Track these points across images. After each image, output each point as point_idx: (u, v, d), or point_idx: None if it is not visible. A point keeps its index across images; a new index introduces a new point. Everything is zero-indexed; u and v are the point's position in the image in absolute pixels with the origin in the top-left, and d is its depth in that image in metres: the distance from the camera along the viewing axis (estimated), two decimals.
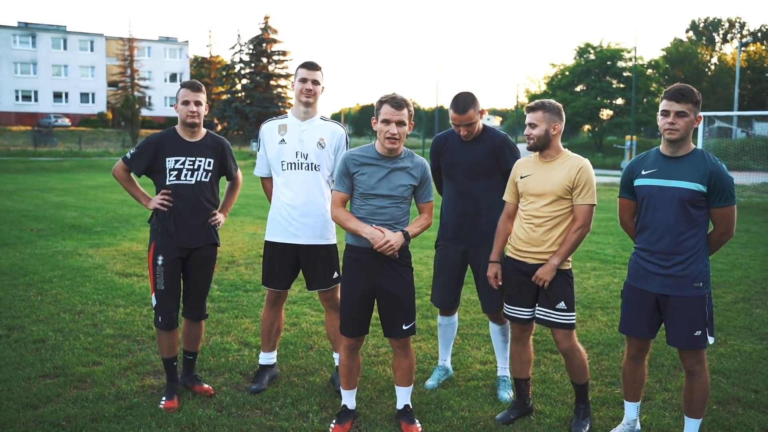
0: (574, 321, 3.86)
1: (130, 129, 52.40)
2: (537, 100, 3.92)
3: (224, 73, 63.95)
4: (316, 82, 4.35)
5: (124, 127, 58.40)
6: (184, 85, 4.23)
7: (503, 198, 4.09)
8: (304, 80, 4.34)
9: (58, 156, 39.28)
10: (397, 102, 3.67)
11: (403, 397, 3.96)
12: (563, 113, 3.88)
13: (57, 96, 64.39)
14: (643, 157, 3.69)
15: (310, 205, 4.34)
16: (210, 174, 4.29)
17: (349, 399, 3.98)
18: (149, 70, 66.88)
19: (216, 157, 4.33)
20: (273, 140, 4.42)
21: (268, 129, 4.48)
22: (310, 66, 4.38)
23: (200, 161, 4.25)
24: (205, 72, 69.36)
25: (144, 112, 60.89)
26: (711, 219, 3.52)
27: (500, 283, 4.01)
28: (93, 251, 9.51)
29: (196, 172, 4.24)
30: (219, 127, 59.34)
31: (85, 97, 65.71)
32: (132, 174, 4.37)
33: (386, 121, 3.67)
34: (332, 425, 3.87)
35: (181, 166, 4.22)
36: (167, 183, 4.22)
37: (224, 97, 61.74)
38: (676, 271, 3.49)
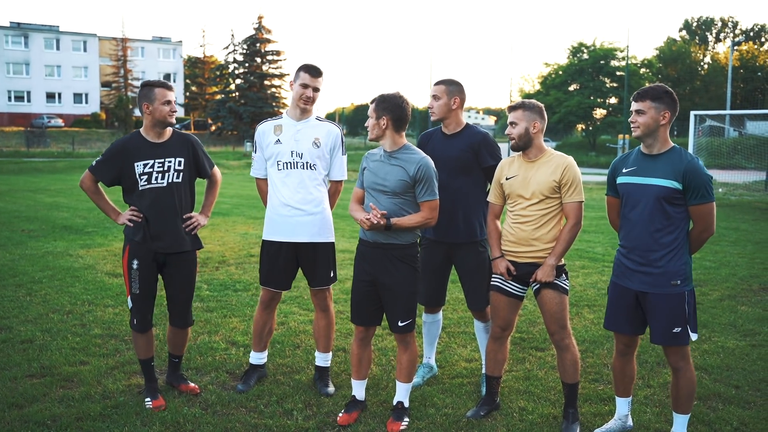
0: (568, 290, 3.93)
1: (124, 129, 52.35)
2: (518, 100, 3.98)
3: (218, 73, 63.96)
4: (317, 90, 4.38)
5: (118, 127, 58.34)
6: (159, 86, 4.10)
7: (488, 199, 4.13)
8: (305, 86, 4.34)
9: (51, 157, 39.17)
10: (372, 101, 3.88)
11: (400, 393, 4.01)
12: (545, 113, 3.93)
13: (50, 96, 64.24)
14: (626, 156, 3.77)
15: (307, 204, 4.37)
16: (182, 174, 4.19)
17: (358, 390, 4.09)
18: (143, 70, 66.75)
19: (186, 156, 4.22)
20: (269, 141, 4.44)
21: (264, 130, 4.49)
22: (314, 72, 4.35)
23: (170, 162, 4.15)
24: (198, 72, 69.34)
25: (137, 112, 60.62)
26: (690, 217, 3.57)
27: (515, 273, 3.93)
28: (84, 252, 9.52)
29: (167, 174, 4.14)
30: (213, 128, 59.32)
31: (78, 97, 65.59)
32: (100, 185, 4.26)
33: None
34: (340, 414, 3.98)
35: (151, 170, 4.11)
36: (139, 188, 4.11)
37: (218, 97, 61.78)
38: (654, 269, 3.54)
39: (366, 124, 3.92)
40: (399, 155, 3.85)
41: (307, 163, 4.37)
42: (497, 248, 4.02)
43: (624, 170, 3.67)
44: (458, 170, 4.32)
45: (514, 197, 3.94)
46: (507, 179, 3.96)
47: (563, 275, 3.90)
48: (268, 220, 4.49)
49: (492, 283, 4.07)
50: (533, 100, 3.98)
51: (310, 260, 4.43)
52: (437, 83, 4.37)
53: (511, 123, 3.89)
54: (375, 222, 3.72)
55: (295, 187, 4.36)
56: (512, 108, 3.92)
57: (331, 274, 4.49)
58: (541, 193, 3.83)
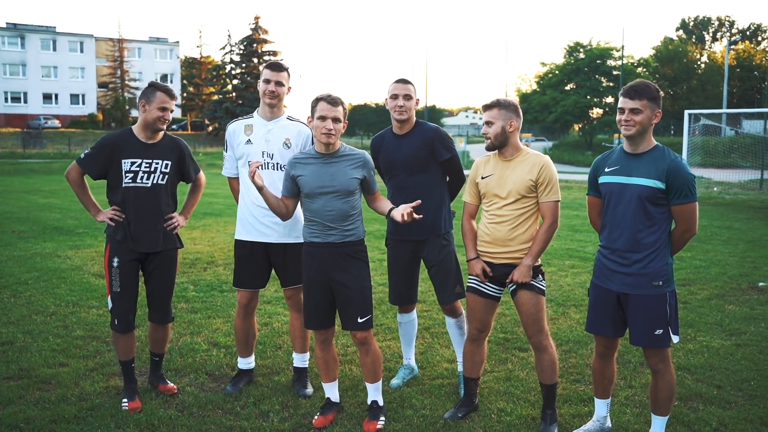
0: (545, 290, 3.89)
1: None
2: (493, 98, 3.91)
3: (215, 73, 63.79)
4: (280, 84, 4.35)
5: (115, 128, 58.18)
6: (163, 90, 4.15)
7: (463, 199, 4.08)
8: (267, 81, 4.33)
9: (47, 158, 39.11)
10: (332, 99, 3.81)
11: (371, 393, 4.00)
12: (520, 111, 3.88)
13: (47, 97, 64.21)
14: (608, 155, 3.71)
15: None
16: (167, 177, 4.24)
17: (331, 392, 4.07)
18: (140, 71, 66.70)
19: (174, 159, 4.27)
20: (239, 141, 4.41)
21: (234, 129, 4.47)
22: (275, 67, 4.38)
23: (157, 163, 4.19)
24: (195, 72, 69.19)
25: (134, 113, 60.72)
26: (673, 217, 3.53)
27: (491, 274, 3.89)
28: (72, 253, 9.48)
29: (152, 175, 4.18)
30: (210, 128, 59.24)
31: (75, 98, 65.52)
32: (86, 178, 4.29)
33: (322, 118, 3.78)
34: (316, 416, 3.95)
35: (137, 169, 4.15)
36: (123, 186, 4.14)
37: (215, 97, 61.58)
38: (635, 270, 3.49)
39: (330, 128, 3.76)
40: (342, 155, 3.86)
41: (278, 164, 4.34)
42: (473, 249, 3.97)
43: (606, 169, 3.61)
44: (415, 168, 4.29)
45: (489, 197, 3.89)
46: (482, 178, 3.91)
47: (540, 276, 3.86)
48: (240, 219, 4.47)
49: (468, 284, 4.03)
50: (509, 98, 3.92)
51: (280, 260, 4.41)
52: (406, 82, 4.33)
53: (487, 122, 3.84)
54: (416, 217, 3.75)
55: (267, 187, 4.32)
56: (487, 107, 3.85)
57: None
58: (517, 193, 3.79)
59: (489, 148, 3.90)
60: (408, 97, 4.29)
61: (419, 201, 3.80)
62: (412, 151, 4.28)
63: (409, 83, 4.33)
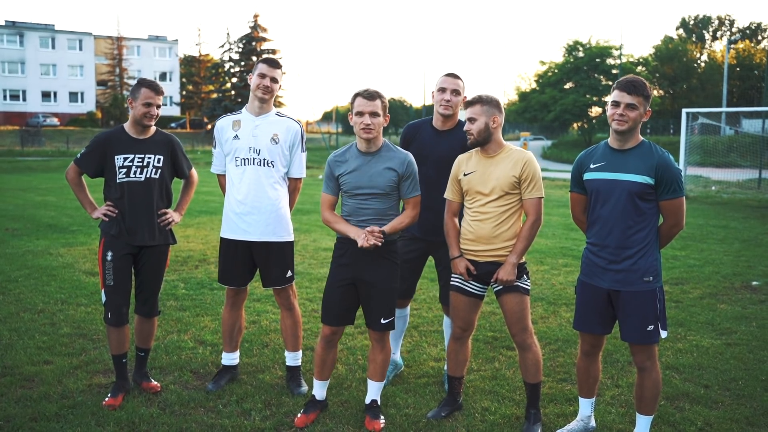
0: (529, 289, 3.85)
1: None
2: (475, 95, 3.85)
3: (214, 71, 63.81)
4: (274, 80, 4.32)
5: (114, 126, 58.19)
6: (147, 86, 4.18)
7: (445, 196, 4.03)
8: (262, 76, 4.29)
9: (45, 156, 39.10)
10: (369, 94, 3.74)
11: (373, 391, 3.97)
12: (502, 106, 3.84)
13: (45, 95, 64.17)
14: (592, 151, 3.67)
15: (262, 201, 4.29)
16: (160, 171, 4.28)
17: (319, 390, 4.03)
18: (138, 69, 66.66)
19: (166, 154, 4.32)
20: (227, 136, 4.38)
21: (222, 126, 4.44)
22: (271, 63, 4.35)
23: (149, 158, 4.24)
24: (194, 71, 69.18)
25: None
26: (661, 212, 3.51)
27: (475, 272, 3.85)
28: (64, 250, 9.44)
29: (145, 169, 4.23)
30: (209, 126, 59.26)
31: (74, 96, 65.48)
32: (83, 177, 4.38)
33: (360, 113, 3.74)
34: (298, 415, 3.91)
35: (130, 164, 4.20)
36: (117, 181, 4.20)
37: (214, 95, 61.65)
38: (625, 266, 3.47)
39: (368, 123, 3.71)
40: (383, 154, 3.81)
41: (264, 159, 4.29)
42: (456, 247, 3.92)
43: (592, 166, 3.58)
44: (449, 168, 4.24)
45: (472, 194, 3.84)
46: (465, 175, 3.86)
47: (524, 275, 3.83)
48: (224, 217, 4.45)
49: (452, 283, 3.98)
50: (490, 94, 3.87)
51: (263, 259, 4.37)
52: (455, 77, 4.29)
53: (470, 119, 3.78)
54: (377, 243, 3.65)
55: (251, 184, 4.29)
56: (470, 103, 3.80)
57: (288, 274, 4.41)
58: (500, 189, 3.74)
59: (472, 145, 3.85)
60: (456, 92, 4.25)
61: (379, 227, 3.72)
62: (450, 149, 4.21)
63: (459, 78, 4.29)
